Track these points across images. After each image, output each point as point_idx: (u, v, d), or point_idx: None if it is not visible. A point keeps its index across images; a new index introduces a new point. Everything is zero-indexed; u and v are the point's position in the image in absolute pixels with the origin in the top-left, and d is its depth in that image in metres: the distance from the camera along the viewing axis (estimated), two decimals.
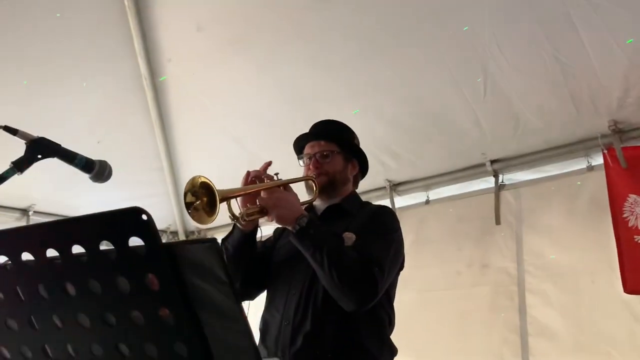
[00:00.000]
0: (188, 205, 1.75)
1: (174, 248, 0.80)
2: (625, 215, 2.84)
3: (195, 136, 3.53)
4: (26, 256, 0.91)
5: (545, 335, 2.95)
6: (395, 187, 3.48)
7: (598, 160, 2.98)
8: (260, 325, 2.01)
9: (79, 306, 0.90)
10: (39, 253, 0.89)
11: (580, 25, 2.58)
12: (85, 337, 0.92)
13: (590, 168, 3.01)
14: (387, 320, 2.02)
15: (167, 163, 3.73)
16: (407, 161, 3.33)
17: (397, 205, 3.43)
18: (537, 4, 2.58)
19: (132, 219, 0.79)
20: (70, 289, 0.90)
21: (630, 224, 2.82)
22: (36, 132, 1.36)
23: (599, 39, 2.59)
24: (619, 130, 2.82)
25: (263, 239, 2.37)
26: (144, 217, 0.78)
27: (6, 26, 2.81)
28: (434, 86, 2.98)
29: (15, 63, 2.93)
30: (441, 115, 3.08)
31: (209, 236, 3.62)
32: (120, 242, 0.81)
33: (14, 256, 0.91)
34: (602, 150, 2.89)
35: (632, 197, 2.84)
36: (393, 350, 2.03)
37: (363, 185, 2.34)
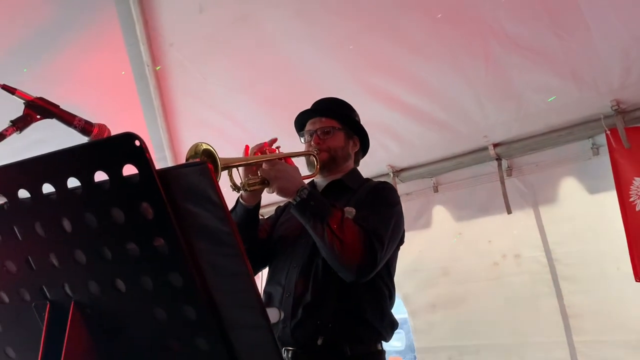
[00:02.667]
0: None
1: (167, 173, 0.80)
2: (632, 199, 2.81)
3: (199, 122, 3.53)
4: (23, 193, 0.92)
5: (585, 316, 3.00)
6: (398, 172, 3.47)
7: (602, 142, 2.95)
8: (263, 299, 2.02)
9: (76, 242, 0.91)
10: (35, 189, 0.89)
11: (583, 4, 2.57)
12: (82, 274, 0.93)
13: (596, 151, 2.98)
14: (387, 293, 2.03)
15: (170, 152, 3.73)
16: (408, 145, 3.32)
17: (401, 192, 3.42)
18: None
19: (125, 146, 0.80)
20: (67, 225, 0.90)
21: (637, 208, 2.79)
22: None
23: (601, 16, 2.58)
24: (621, 111, 2.80)
25: (265, 217, 2.39)
26: (137, 142, 0.79)
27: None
28: (435, 67, 2.97)
29: (15, 51, 2.96)
30: (443, 97, 3.07)
31: None
32: (113, 170, 0.82)
33: (11, 194, 0.92)
34: (605, 132, 2.87)
35: (637, 180, 2.81)
36: (394, 323, 2.04)
37: (365, 173, 2.34)
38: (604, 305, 2.94)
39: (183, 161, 3.74)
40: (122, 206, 0.84)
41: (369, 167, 2.85)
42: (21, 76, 2.91)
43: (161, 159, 3.76)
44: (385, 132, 3.26)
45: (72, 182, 0.87)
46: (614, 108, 2.78)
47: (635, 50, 2.60)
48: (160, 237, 0.83)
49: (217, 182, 0.77)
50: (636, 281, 2.69)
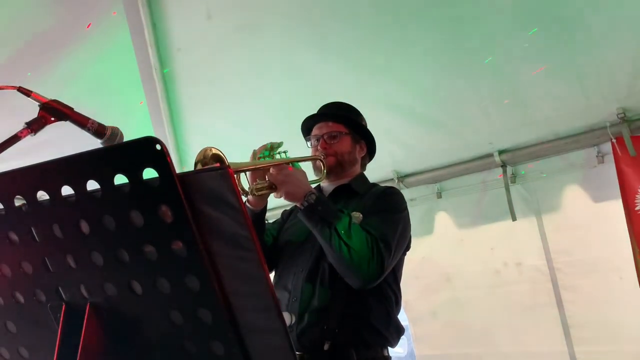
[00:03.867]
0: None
1: (188, 178, 0.81)
2: (637, 208, 2.81)
3: (205, 126, 3.55)
4: (41, 195, 0.92)
5: (586, 326, 2.99)
6: (402, 178, 3.48)
7: (608, 150, 2.96)
8: None
9: (93, 244, 0.91)
10: (54, 191, 0.90)
11: (589, 11, 2.59)
12: (99, 276, 0.93)
13: (601, 159, 2.99)
14: (393, 299, 2.04)
15: (176, 156, 3.75)
16: (413, 152, 3.33)
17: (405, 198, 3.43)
18: None
19: (145, 150, 0.80)
20: (85, 227, 0.91)
21: None
22: None
23: (608, 25, 2.60)
24: (627, 119, 2.81)
25: (271, 221, 2.39)
26: (158, 147, 0.80)
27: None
28: (441, 74, 2.98)
29: (22, 54, 2.98)
30: (449, 104, 3.08)
31: None
32: (134, 174, 0.82)
33: (30, 196, 0.93)
34: (611, 140, 2.88)
35: None
36: (400, 329, 2.04)
37: (370, 178, 2.34)
38: (606, 315, 2.92)
39: (188, 165, 3.78)
40: (141, 209, 0.84)
41: (374, 172, 2.86)
42: (27, 81, 2.92)
43: None
44: (390, 137, 3.27)
45: (91, 185, 0.88)
46: (620, 116, 2.79)
47: None
48: (179, 240, 0.83)
49: (237, 187, 0.77)
50: None
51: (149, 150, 0.80)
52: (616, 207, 2.85)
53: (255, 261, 0.80)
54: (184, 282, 0.86)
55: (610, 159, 2.92)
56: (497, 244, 3.28)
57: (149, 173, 0.84)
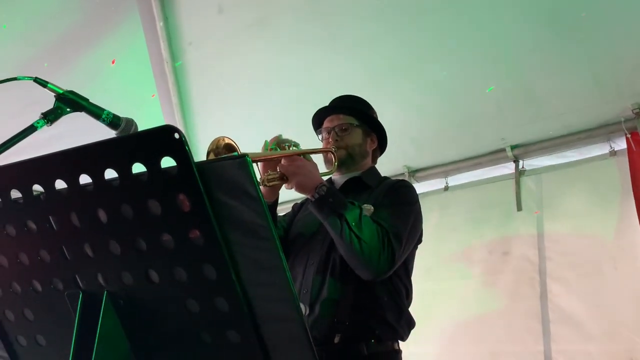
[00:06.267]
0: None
1: (206, 166, 0.81)
2: None
3: (216, 120, 3.55)
4: (59, 184, 0.93)
5: (567, 322, 2.91)
6: (413, 173, 3.47)
7: (621, 145, 2.94)
8: None
9: (111, 233, 0.92)
10: (72, 180, 0.91)
11: (601, 6, 2.56)
12: (116, 265, 0.94)
13: (613, 153, 2.96)
14: (404, 292, 2.03)
15: None
16: (425, 147, 3.32)
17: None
18: None
19: (164, 138, 0.81)
20: (102, 216, 0.91)
21: None
22: None
23: (623, 20, 2.57)
24: None
25: (282, 214, 2.39)
26: (176, 135, 0.80)
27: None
28: (453, 69, 2.97)
29: (33, 43, 3.00)
30: (460, 99, 3.07)
31: None
32: (152, 162, 0.83)
33: (48, 185, 0.93)
34: (626, 135, 2.85)
35: None
36: (411, 322, 2.03)
37: (381, 172, 2.34)
38: (595, 310, 2.84)
39: (199, 158, 3.80)
40: (159, 198, 0.84)
41: (385, 166, 2.86)
42: (42, 72, 2.95)
43: None
44: (401, 132, 3.25)
45: (109, 174, 0.88)
46: (635, 111, 2.76)
47: None
48: (197, 228, 0.84)
49: (255, 176, 0.77)
50: None
51: (167, 139, 0.80)
52: (622, 199, 2.84)
53: (273, 250, 0.80)
54: (201, 271, 0.86)
55: (622, 153, 2.90)
56: (489, 233, 3.23)
57: (167, 162, 0.85)
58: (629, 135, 2.84)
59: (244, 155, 0.76)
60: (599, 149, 3.02)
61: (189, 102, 3.58)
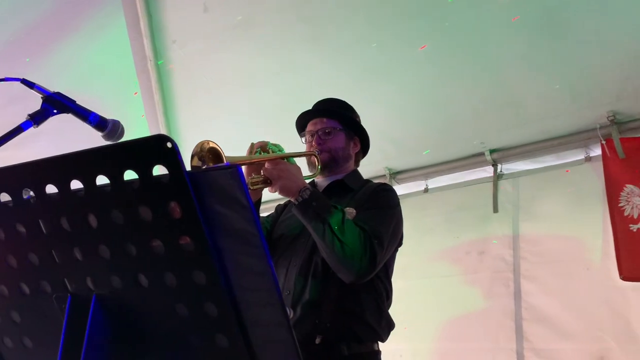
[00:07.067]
0: (194, 169, 1.78)
1: (198, 175, 0.83)
2: (621, 205, 2.89)
3: (199, 120, 3.55)
4: (50, 189, 0.94)
5: (540, 321, 2.99)
6: (394, 175, 3.52)
7: (596, 151, 3.03)
8: None
9: (101, 238, 0.93)
10: (63, 185, 0.92)
11: (579, 14, 2.63)
12: (105, 268, 0.95)
13: (588, 158, 3.05)
14: (384, 294, 2.07)
15: None
16: (406, 149, 3.37)
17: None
18: None
19: (156, 147, 0.82)
20: (92, 221, 0.93)
21: (626, 213, 2.87)
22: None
23: (597, 28, 2.65)
24: (617, 122, 2.87)
25: (265, 214, 2.41)
26: (169, 144, 0.82)
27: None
28: (434, 74, 3.02)
29: (18, 42, 2.96)
30: (441, 104, 3.12)
31: None
32: (144, 170, 0.84)
33: (39, 189, 0.94)
34: (601, 141, 2.94)
35: (628, 187, 2.90)
36: (391, 324, 2.08)
37: (363, 173, 2.37)
38: (567, 309, 2.92)
39: (182, 156, 3.79)
40: (150, 204, 0.86)
41: (367, 167, 2.89)
42: (24, 67, 2.92)
43: None
44: (383, 135, 3.30)
45: (101, 180, 0.90)
46: (610, 119, 2.85)
47: (632, 63, 2.67)
48: (187, 235, 0.86)
49: (247, 185, 0.80)
50: (620, 279, 2.77)
51: (160, 148, 0.82)
52: (595, 204, 2.94)
53: (262, 257, 0.82)
54: (190, 277, 0.88)
55: (597, 159, 2.99)
56: (464, 233, 3.30)
57: (158, 171, 0.86)
58: (604, 142, 2.93)
59: (236, 166, 0.78)
60: (575, 155, 3.11)
61: (171, 100, 3.57)
